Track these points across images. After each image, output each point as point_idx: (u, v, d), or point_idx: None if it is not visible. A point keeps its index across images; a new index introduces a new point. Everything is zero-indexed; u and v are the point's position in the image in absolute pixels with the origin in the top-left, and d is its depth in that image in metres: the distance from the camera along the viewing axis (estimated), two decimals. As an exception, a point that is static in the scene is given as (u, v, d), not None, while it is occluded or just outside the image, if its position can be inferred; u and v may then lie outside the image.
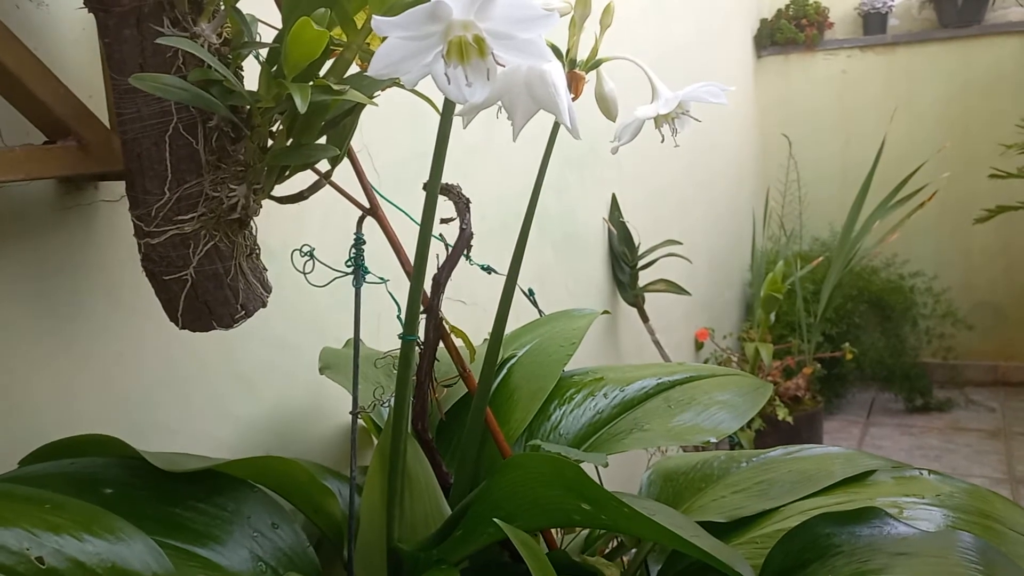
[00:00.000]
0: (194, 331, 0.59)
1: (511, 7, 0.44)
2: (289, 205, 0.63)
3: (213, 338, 0.76)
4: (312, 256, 0.69)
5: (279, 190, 0.61)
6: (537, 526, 0.69)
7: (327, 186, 0.65)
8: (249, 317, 0.61)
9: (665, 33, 2.17)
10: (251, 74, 0.56)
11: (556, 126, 0.64)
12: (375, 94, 0.56)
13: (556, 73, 0.55)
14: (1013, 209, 2.55)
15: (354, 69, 0.56)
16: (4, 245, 0.60)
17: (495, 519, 0.57)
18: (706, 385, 0.86)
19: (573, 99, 0.62)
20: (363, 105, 0.55)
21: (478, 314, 1.12)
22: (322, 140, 0.58)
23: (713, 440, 0.76)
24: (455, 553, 0.62)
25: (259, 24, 0.58)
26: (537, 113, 0.59)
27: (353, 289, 0.71)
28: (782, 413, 2.43)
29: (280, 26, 0.54)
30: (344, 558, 0.71)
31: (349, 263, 0.71)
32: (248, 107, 0.55)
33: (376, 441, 0.80)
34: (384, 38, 0.44)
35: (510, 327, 0.79)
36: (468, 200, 0.72)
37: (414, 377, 0.70)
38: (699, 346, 2.57)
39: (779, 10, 3.50)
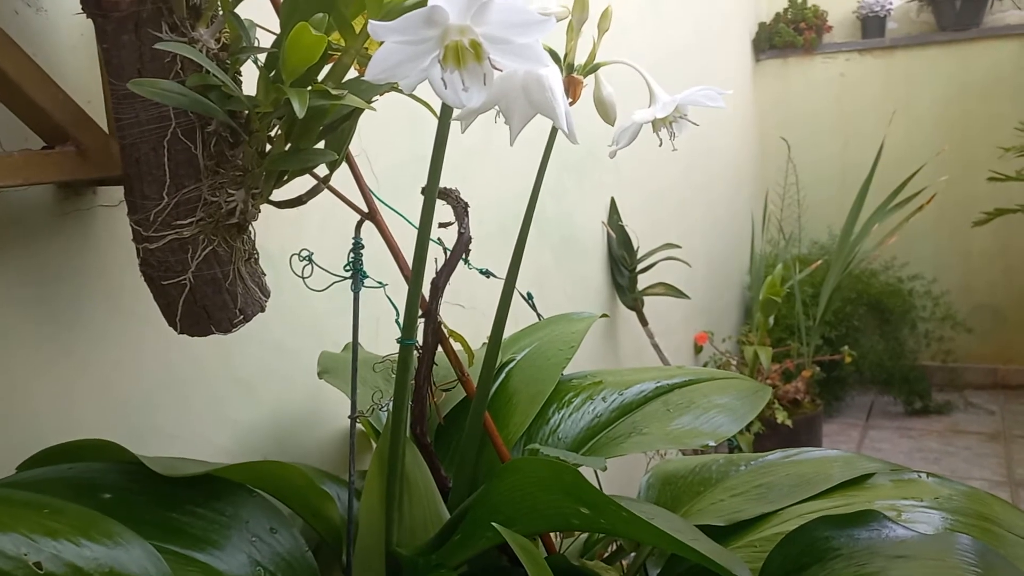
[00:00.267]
0: (193, 336, 0.59)
1: (507, 12, 0.44)
2: (288, 210, 0.63)
3: (212, 343, 0.77)
4: (311, 260, 0.69)
5: (277, 195, 0.61)
6: (536, 530, 0.69)
7: (325, 190, 0.65)
8: (248, 322, 0.61)
9: (663, 37, 2.18)
10: (249, 79, 0.56)
11: (554, 130, 0.65)
12: (373, 98, 0.56)
13: (553, 77, 0.55)
14: (1012, 212, 2.56)
15: (352, 74, 0.56)
16: (3, 250, 0.60)
17: (494, 523, 0.57)
18: (705, 388, 0.86)
19: (571, 103, 0.62)
20: (361, 109, 0.55)
21: (477, 318, 1.12)
22: (320, 145, 0.58)
23: (712, 443, 0.76)
24: (454, 557, 0.62)
25: (257, 29, 0.58)
26: (535, 117, 0.59)
27: (352, 293, 0.71)
28: (781, 416, 2.43)
29: (278, 31, 0.54)
30: (343, 563, 0.71)
31: (348, 267, 0.71)
32: (246, 112, 0.55)
33: (375, 445, 0.80)
34: (381, 43, 0.45)
35: (509, 331, 0.79)
36: (466, 204, 0.72)
37: (413, 381, 0.70)
38: (698, 349, 2.57)
39: (777, 14, 3.50)
